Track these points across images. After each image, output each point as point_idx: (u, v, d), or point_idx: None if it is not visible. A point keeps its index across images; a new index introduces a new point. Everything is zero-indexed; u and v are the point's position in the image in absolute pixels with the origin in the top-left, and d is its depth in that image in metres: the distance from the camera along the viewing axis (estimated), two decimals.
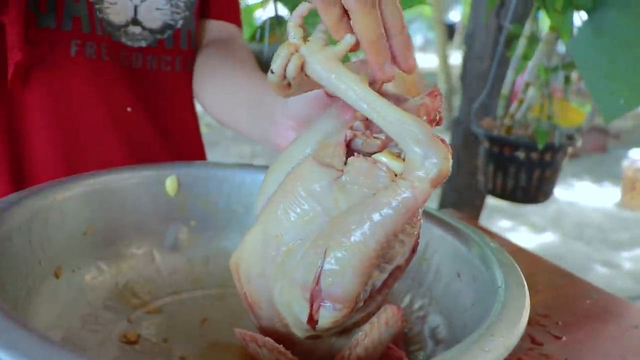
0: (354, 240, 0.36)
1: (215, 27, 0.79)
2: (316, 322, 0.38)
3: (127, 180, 0.54)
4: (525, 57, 1.06)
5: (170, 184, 0.56)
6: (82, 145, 0.69)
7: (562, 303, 0.64)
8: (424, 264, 0.52)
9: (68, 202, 0.49)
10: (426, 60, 7.44)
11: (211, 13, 0.79)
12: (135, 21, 0.69)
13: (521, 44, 1.05)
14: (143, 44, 0.70)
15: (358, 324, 0.42)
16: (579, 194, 3.72)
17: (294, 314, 0.39)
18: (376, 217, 0.35)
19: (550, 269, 0.74)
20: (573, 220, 3.27)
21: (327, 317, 0.38)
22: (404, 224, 0.36)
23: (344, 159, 0.39)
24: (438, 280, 0.51)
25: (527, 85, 1.04)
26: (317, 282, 0.37)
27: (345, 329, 0.43)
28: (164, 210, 0.56)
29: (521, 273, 0.44)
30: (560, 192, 3.64)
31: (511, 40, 1.15)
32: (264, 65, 0.87)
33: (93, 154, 0.70)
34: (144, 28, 0.70)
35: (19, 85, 0.64)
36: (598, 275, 2.60)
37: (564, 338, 0.57)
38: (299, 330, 0.41)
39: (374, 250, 0.36)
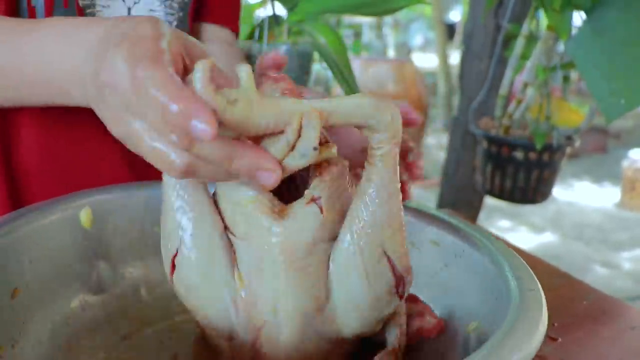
0: (390, 221, 0.39)
1: (210, 31, 0.78)
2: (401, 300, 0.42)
3: (43, 220, 0.49)
4: (524, 56, 1.06)
5: (84, 216, 0.52)
6: (79, 159, 0.68)
7: (559, 304, 0.63)
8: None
9: None
10: (426, 60, 7.43)
11: (208, 16, 0.78)
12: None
13: (519, 44, 1.05)
14: None
15: None
16: (579, 194, 3.71)
17: (378, 319, 0.42)
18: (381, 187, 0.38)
19: (548, 270, 0.74)
20: (572, 220, 3.26)
21: (408, 287, 0.42)
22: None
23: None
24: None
25: (526, 85, 1.03)
26: (396, 276, 0.40)
27: None
28: (84, 247, 0.52)
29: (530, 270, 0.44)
30: (560, 192, 3.63)
31: (509, 39, 1.15)
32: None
33: (91, 167, 0.69)
34: None
35: None
36: (597, 275, 2.60)
37: (560, 339, 0.56)
38: (370, 327, 0.42)
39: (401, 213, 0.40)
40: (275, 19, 0.89)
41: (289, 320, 0.39)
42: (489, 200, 1.70)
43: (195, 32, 0.78)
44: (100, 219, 0.52)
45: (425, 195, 3.36)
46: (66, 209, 0.51)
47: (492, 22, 1.36)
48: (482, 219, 3.15)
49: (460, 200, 1.59)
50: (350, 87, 0.87)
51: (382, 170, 0.38)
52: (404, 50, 7.17)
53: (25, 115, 0.65)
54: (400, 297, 0.42)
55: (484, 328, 0.42)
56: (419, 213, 0.56)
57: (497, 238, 0.49)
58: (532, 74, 1.02)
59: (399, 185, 0.40)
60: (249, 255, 0.39)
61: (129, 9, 0.68)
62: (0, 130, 0.64)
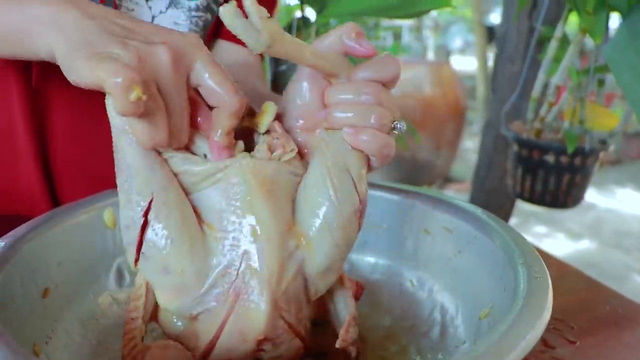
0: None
1: (232, 51, 0.77)
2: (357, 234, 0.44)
3: (69, 223, 0.51)
4: (557, 59, 1.04)
5: (107, 216, 0.54)
6: (103, 144, 0.71)
7: (580, 308, 0.63)
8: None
9: (20, 264, 0.45)
10: (465, 63, 7.34)
11: (231, 36, 0.79)
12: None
13: (552, 47, 1.03)
14: None
15: None
16: (620, 201, 3.61)
17: (347, 250, 0.43)
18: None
19: (575, 275, 0.73)
20: (612, 228, 3.18)
21: (362, 220, 0.44)
22: None
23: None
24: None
25: (557, 87, 1.02)
26: (359, 198, 0.42)
27: None
28: (110, 246, 0.54)
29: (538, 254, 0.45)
30: (600, 198, 3.54)
31: (543, 42, 1.14)
32: (290, 63, 0.88)
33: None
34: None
35: (43, 85, 0.66)
36: (636, 284, 2.53)
37: (578, 343, 0.56)
38: (338, 272, 0.44)
39: None
40: (304, 21, 0.90)
41: (269, 242, 0.40)
42: (525, 206, 1.67)
43: (219, 52, 0.77)
44: None
45: (458, 197, 3.33)
46: (90, 210, 0.53)
47: (526, 25, 1.35)
48: (517, 224, 3.10)
49: (491, 203, 1.58)
50: None
51: None
52: (443, 52, 7.11)
53: (56, 98, 0.68)
54: (358, 232, 0.43)
55: (495, 314, 0.43)
56: (433, 200, 0.57)
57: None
58: (563, 77, 1.01)
59: None
60: (217, 198, 0.41)
61: (153, 17, 0.69)
62: (32, 113, 0.68)
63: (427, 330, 0.52)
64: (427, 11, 0.81)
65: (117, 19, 0.41)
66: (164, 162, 0.41)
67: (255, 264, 0.40)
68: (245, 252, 0.40)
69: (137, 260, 0.41)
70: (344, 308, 0.47)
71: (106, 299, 0.52)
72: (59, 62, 0.40)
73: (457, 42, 8.42)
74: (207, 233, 0.41)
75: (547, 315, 0.37)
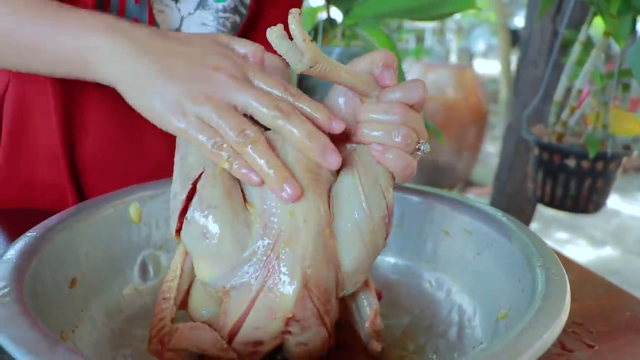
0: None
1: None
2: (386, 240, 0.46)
3: (97, 216, 0.52)
4: (580, 63, 1.03)
5: (133, 211, 0.55)
6: (130, 140, 0.73)
7: (600, 313, 0.63)
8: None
9: (50, 254, 0.46)
10: (488, 67, 7.28)
11: (260, 41, 0.80)
12: (178, 32, 0.71)
13: (576, 50, 1.02)
14: None
15: None
16: None
17: (375, 255, 0.45)
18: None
19: (596, 280, 0.72)
20: (636, 235, 3.13)
21: (390, 227, 0.45)
22: None
23: None
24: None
25: (579, 91, 1.01)
26: (387, 206, 0.44)
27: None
28: (135, 240, 0.55)
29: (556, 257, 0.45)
30: (623, 205, 3.49)
31: (566, 46, 1.13)
32: None
33: (144, 150, 0.73)
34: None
35: (75, 82, 0.68)
36: None
37: (597, 347, 0.56)
38: (367, 270, 0.46)
39: None
40: (330, 23, 0.91)
41: (306, 223, 0.41)
42: (547, 211, 1.66)
43: None
44: (147, 213, 0.56)
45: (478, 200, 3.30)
46: (117, 204, 0.54)
47: (549, 28, 1.34)
48: (539, 230, 3.07)
49: (511, 207, 1.57)
50: None
51: None
52: (466, 55, 7.07)
53: (89, 95, 0.70)
54: (386, 239, 0.45)
55: (512, 316, 0.43)
56: (453, 201, 0.57)
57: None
58: (586, 81, 1.00)
59: None
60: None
61: (182, 19, 0.70)
62: (65, 109, 0.70)
63: (444, 330, 0.53)
64: (451, 13, 0.81)
65: (165, 43, 0.46)
66: None
67: (290, 242, 0.41)
68: (282, 230, 0.41)
69: (178, 230, 0.43)
70: (367, 305, 0.48)
71: (130, 291, 0.53)
72: (125, 95, 0.46)
73: (480, 45, 8.36)
74: (249, 210, 0.42)
75: (564, 316, 0.37)
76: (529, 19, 1.47)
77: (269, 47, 0.84)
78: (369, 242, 0.43)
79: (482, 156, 3.94)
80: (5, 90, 0.73)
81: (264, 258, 0.41)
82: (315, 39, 0.96)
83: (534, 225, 3.09)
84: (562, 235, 3.09)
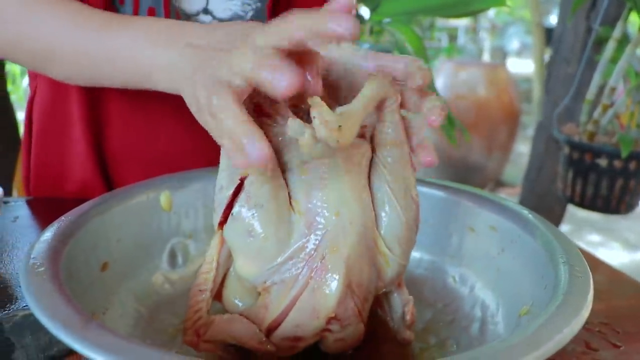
0: (408, 166, 0.45)
1: None
2: None
3: (128, 203, 0.54)
4: (614, 60, 1.01)
5: (164, 199, 0.56)
6: (156, 131, 0.75)
7: (627, 314, 0.62)
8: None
9: (84, 238, 0.47)
10: (522, 66, 7.17)
11: None
12: (206, 10, 0.71)
13: (610, 47, 1.00)
14: None
15: None
16: None
17: (409, 257, 0.46)
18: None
19: (626, 281, 0.71)
20: None
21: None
22: None
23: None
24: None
25: (613, 89, 0.99)
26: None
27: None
28: (165, 228, 0.57)
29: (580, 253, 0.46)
30: None
31: (600, 43, 1.11)
32: None
33: (160, 134, 0.75)
34: (214, 17, 0.72)
35: None
36: None
37: (623, 347, 0.55)
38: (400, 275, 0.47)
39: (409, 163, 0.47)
40: (358, 19, 0.91)
41: (352, 224, 0.42)
42: (579, 213, 1.63)
43: None
44: (177, 202, 0.57)
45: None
46: (148, 192, 0.55)
47: (583, 25, 1.31)
48: (570, 231, 3.01)
49: (541, 207, 1.55)
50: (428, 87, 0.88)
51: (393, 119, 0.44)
52: (499, 54, 6.97)
53: (115, 107, 0.72)
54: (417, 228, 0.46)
55: (535, 312, 0.43)
56: (479, 198, 0.57)
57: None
58: (620, 79, 0.98)
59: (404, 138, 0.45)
60: (307, 177, 0.43)
61: (207, 2, 0.71)
62: (90, 102, 0.72)
63: (467, 326, 0.53)
64: (481, 10, 0.81)
65: (222, 45, 0.43)
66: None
67: (335, 242, 0.41)
68: (327, 231, 0.42)
69: (222, 223, 0.44)
70: (400, 300, 0.49)
71: (159, 278, 0.55)
72: (191, 109, 0.44)
73: (514, 44, 8.24)
74: (295, 208, 0.43)
75: (585, 312, 0.37)
76: (561, 16, 1.44)
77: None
78: (405, 242, 0.45)
79: (514, 156, 3.89)
80: (35, 93, 0.75)
81: (307, 257, 0.42)
82: None
83: (565, 227, 3.04)
84: (594, 237, 3.03)
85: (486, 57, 6.93)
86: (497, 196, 0.57)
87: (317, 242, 0.41)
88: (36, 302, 0.34)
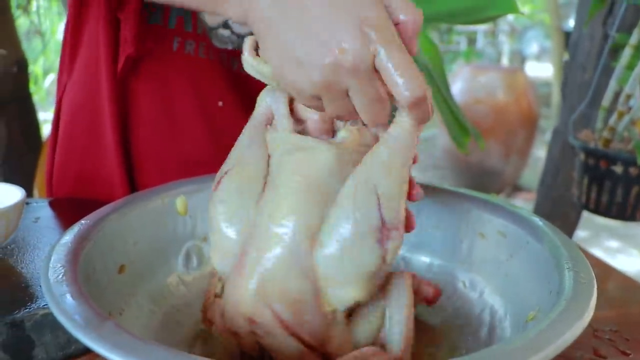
0: (393, 171, 0.42)
1: None
2: (385, 259, 0.42)
3: (145, 207, 0.55)
4: (630, 67, 1.01)
5: (180, 204, 0.58)
6: (180, 134, 0.76)
7: (636, 321, 0.62)
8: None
9: (102, 241, 0.49)
10: (541, 69, 7.10)
11: None
12: (225, 25, 0.74)
13: (626, 54, 1.00)
14: (229, 46, 0.75)
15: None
16: None
17: (363, 269, 0.42)
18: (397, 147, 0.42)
19: (638, 289, 0.71)
20: None
21: (392, 248, 0.42)
22: (414, 151, 0.42)
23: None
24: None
25: (628, 96, 0.99)
26: (382, 221, 0.41)
27: (352, 312, 0.46)
28: (180, 231, 0.58)
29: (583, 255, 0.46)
30: None
31: (617, 49, 1.10)
32: None
33: (188, 147, 0.76)
34: (232, 32, 0.74)
35: (127, 75, 0.72)
36: None
37: (632, 355, 0.55)
38: (362, 292, 0.43)
39: (406, 174, 0.43)
40: None
41: (280, 227, 0.42)
42: (598, 219, 1.61)
43: None
44: (193, 206, 0.59)
45: (526, 206, 3.23)
46: (165, 197, 0.57)
47: (600, 32, 1.31)
48: (588, 238, 2.98)
49: (556, 212, 1.54)
50: (442, 94, 0.89)
51: (405, 126, 0.42)
52: (518, 58, 6.92)
53: (139, 87, 0.74)
54: (384, 258, 0.42)
55: (541, 317, 0.44)
56: (490, 204, 0.58)
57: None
58: (636, 85, 0.97)
59: (414, 151, 0.43)
60: (275, 171, 0.45)
61: None
62: (119, 101, 0.74)
63: (475, 330, 0.53)
64: (494, 17, 0.81)
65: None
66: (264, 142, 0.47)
67: (260, 243, 0.43)
68: (256, 231, 0.44)
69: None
70: (375, 313, 0.46)
71: (174, 279, 0.56)
72: (260, 40, 0.41)
73: (533, 48, 8.16)
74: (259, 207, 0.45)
75: (587, 318, 0.37)
76: (578, 23, 1.44)
77: None
78: (352, 257, 0.41)
79: (532, 161, 3.85)
80: (64, 89, 0.78)
81: (241, 254, 0.44)
82: None
83: (583, 233, 3.00)
84: (612, 243, 3.00)
85: (505, 60, 6.88)
86: (507, 202, 0.58)
87: (245, 242, 0.44)
88: (55, 303, 0.36)
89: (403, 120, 0.42)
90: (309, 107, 0.42)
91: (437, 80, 0.89)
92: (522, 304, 0.49)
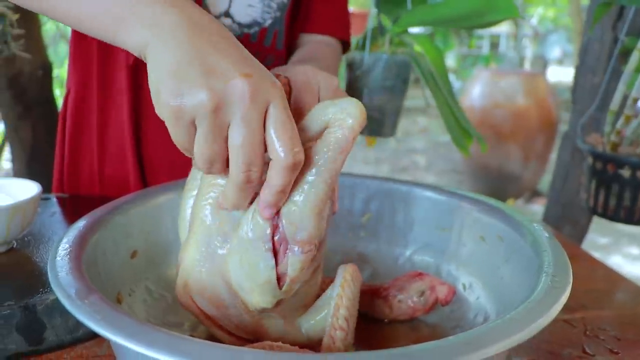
0: (309, 183, 0.41)
1: (315, 39, 0.83)
2: (285, 274, 0.42)
3: (155, 201, 0.59)
4: (638, 70, 1.01)
5: None
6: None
7: (629, 322, 0.63)
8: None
9: (114, 231, 0.52)
10: (563, 74, 7.02)
11: (312, 27, 0.83)
12: (227, 14, 0.74)
13: (635, 58, 1.00)
14: None
15: (310, 296, 0.49)
16: None
17: (259, 277, 0.42)
18: (321, 160, 0.41)
19: (637, 291, 0.72)
20: None
21: (296, 262, 0.42)
22: (343, 162, 0.42)
23: None
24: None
25: (635, 100, 0.99)
26: (276, 229, 0.42)
27: (304, 305, 0.49)
28: None
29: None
30: None
31: (626, 53, 1.10)
32: (364, 69, 0.93)
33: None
34: (233, 21, 0.75)
35: (138, 66, 0.74)
36: None
37: (620, 354, 0.56)
38: (265, 298, 0.43)
39: (328, 189, 0.41)
40: (379, 31, 0.95)
41: (194, 233, 0.47)
42: (619, 226, 1.59)
43: (303, 43, 0.83)
44: None
45: (539, 210, 3.20)
46: (171, 193, 0.61)
47: (610, 36, 1.31)
48: (608, 244, 2.95)
49: (565, 217, 1.53)
50: (444, 98, 0.90)
51: (335, 144, 0.41)
52: (540, 62, 6.85)
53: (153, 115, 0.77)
54: (278, 269, 0.42)
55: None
56: (491, 208, 0.59)
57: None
58: None
59: (339, 169, 0.42)
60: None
61: (230, 1, 0.73)
62: (137, 121, 0.77)
63: None
64: (495, 22, 0.83)
65: (213, 38, 0.41)
66: None
67: (185, 245, 0.48)
68: (190, 231, 0.48)
69: None
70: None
71: None
72: (149, 70, 0.42)
73: (555, 52, 8.07)
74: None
75: (543, 321, 0.37)
76: (587, 27, 1.44)
77: (316, 26, 0.84)
78: (246, 264, 0.43)
79: (551, 166, 3.82)
80: (68, 93, 0.81)
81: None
82: (364, 46, 0.99)
83: (603, 239, 2.97)
84: (633, 250, 2.96)
85: (527, 65, 6.82)
86: (509, 206, 0.58)
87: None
88: (54, 276, 0.40)
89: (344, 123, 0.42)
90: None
91: (440, 84, 0.90)
92: (511, 309, 0.50)
